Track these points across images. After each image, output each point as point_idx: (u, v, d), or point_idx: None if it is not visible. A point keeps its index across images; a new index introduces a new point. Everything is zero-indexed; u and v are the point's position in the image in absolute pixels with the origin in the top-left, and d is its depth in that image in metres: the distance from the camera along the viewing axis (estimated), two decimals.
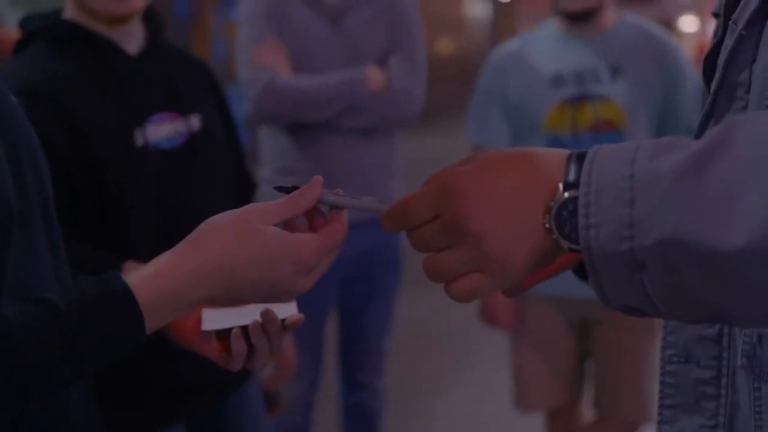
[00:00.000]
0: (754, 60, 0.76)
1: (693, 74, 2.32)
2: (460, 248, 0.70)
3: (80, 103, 1.56)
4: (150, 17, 1.69)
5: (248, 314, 0.94)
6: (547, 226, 0.68)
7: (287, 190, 0.86)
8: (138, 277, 0.83)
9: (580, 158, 0.69)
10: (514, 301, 2.34)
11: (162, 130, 1.63)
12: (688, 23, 20.91)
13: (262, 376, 1.88)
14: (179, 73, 1.71)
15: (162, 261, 0.85)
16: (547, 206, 0.68)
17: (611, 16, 2.30)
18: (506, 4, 19.74)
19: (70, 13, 1.63)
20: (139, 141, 1.60)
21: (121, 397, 1.55)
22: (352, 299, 2.44)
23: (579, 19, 2.26)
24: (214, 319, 0.95)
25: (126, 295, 0.81)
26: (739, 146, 0.64)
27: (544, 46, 2.32)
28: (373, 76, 2.31)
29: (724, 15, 0.84)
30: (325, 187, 0.87)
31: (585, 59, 2.27)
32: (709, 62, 0.85)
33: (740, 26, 0.78)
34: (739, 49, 0.78)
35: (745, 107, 0.77)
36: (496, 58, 2.40)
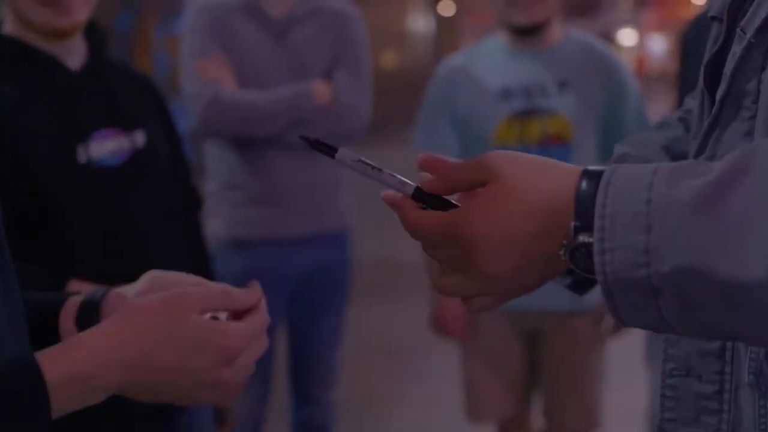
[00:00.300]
0: (763, 69, 0.75)
1: (636, 88, 2.37)
2: (474, 279, 0.72)
3: (21, 120, 1.53)
4: (92, 31, 1.67)
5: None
6: (562, 258, 0.69)
7: (311, 143, 0.80)
8: (51, 352, 0.77)
9: (592, 177, 0.69)
10: (465, 312, 2.35)
11: (105, 147, 1.61)
12: (627, 37, 21.29)
13: None
14: (123, 88, 1.69)
15: (81, 337, 0.78)
16: (561, 243, 0.69)
17: (558, 31, 2.33)
18: (448, 18, 19.90)
19: (9, 27, 1.60)
20: (82, 158, 1.57)
21: (64, 419, 1.52)
22: (302, 314, 2.43)
23: (526, 34, 2.28)
24: None
25: (33, 375, 0.74)
26: (757, 176, 0.63)
27: (491, 59, 2.34)
28: (320, 90, 2.32)
29: (728, 21, 0.82)
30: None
31: (532, 73, 2.29)
32: (711, 69, 0.84)
33: (749, 34, 0.76)
34: (748, 57, 0.76)
35: (752, 117, 0.76)
36: (443, 71, 2.41)
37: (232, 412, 2.10)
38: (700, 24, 2.19)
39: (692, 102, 1.05)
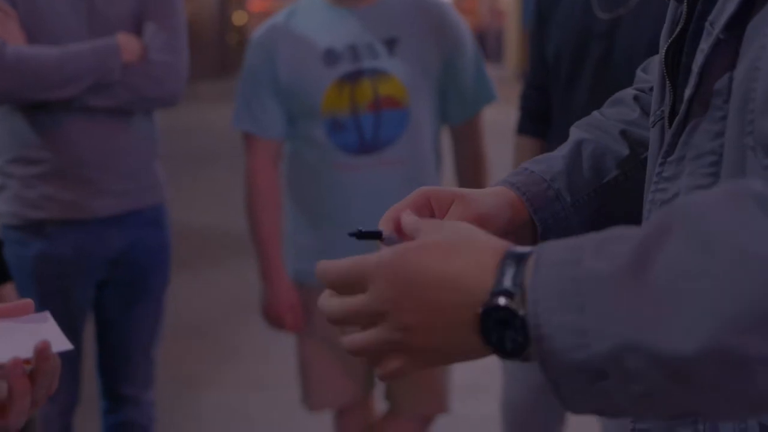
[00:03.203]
0: (733, 67, 0.71)
1: (472, 43, 2.20)
2: (386, 332, 0.68)
3: None
4: None
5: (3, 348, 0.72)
6: (473, 336, 0.65)
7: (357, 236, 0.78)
8: None
9: (517, 258, 0.64)
10: (300, 300, 2.14)
11: None
12: None
13: None
14: None
15: None
16: (476, 313, 0.64)
17: None
18: None
19: None
20: None
21: None
22: (113, 304, 2.13)
23: None
24: None
25: None
26: (677, 241, 0.60)
27: (313, 19, 2.10)
28: (127, 45, 1.99)
29: (688, 4, 0.78)
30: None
31: (358, 32, 2.07)
32: (672, 52, 0.80)
33: (717, 29, 0.71)
34: (717, 54, 0.72)
35: (723, 117, 0.72)
36: (260, 35, 2.12)
37: (34, 422, 1.83)
38: None
39: (644, 75, 1.04)
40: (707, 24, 0.74)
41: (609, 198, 0.93)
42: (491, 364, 2.59)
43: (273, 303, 2.13)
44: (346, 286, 0.69)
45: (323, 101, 2.05)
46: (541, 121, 2.12)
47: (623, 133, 0.97)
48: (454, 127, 2.22)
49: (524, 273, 0.63)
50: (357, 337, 0.70)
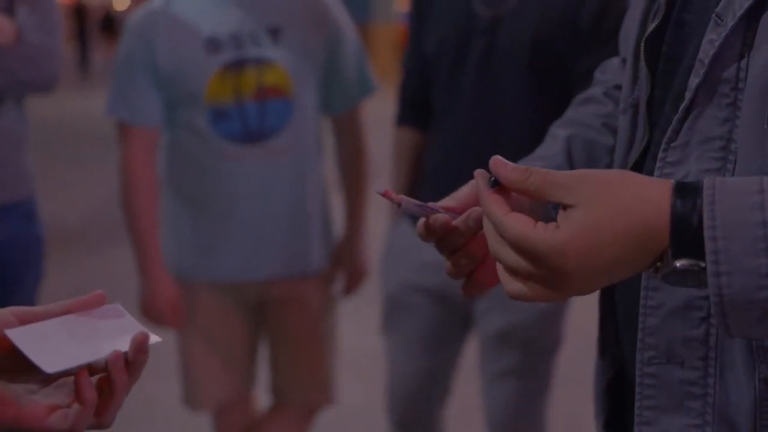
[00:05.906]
0: (740, 56, 0.77)
1: (353, 32, 2.21)
2: (555, 293, 0.71)
3: None
4: None
5: (93, 346, 0.71)
6: (653, 275, 0.70)
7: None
8: None
9: (686, 194, 0.68)
10: (183, 296, 2.08)
11: None
12: None
13: None
14: None
15: None
16: (653, 263, 0.69)
17: None
18: None
19: None
20: None
21: None
22: None
23: None
24: (52, 356, 0.68)
25: None
26: None
27: (194, 4, 2.04)
28: (1, 26, 1.87)
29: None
30: None
31: (241, 20, 2.04)
32: (651, 46, 0.85)
33: (730, 21, 0.77)
34: (727, 44, 0.77)
35: (730, 104, 0.77)
36: (138, 21, 2.05)
37: None
38: None
39: (603, 76, 1.12)
40: (714, 16, 0.79)
41: None
42: (376, 354, 2.60)
43: (153, 298, 2.06)
44: (528, 259, 0.71)
45: (207, 90, 2.01)
46: (420, 112, 2.14)
47: (605, 125, 1.04)
48: (336, 118, 2.22)
49: (703, 213, 0.66)
50: (524, 292, 0.71)
